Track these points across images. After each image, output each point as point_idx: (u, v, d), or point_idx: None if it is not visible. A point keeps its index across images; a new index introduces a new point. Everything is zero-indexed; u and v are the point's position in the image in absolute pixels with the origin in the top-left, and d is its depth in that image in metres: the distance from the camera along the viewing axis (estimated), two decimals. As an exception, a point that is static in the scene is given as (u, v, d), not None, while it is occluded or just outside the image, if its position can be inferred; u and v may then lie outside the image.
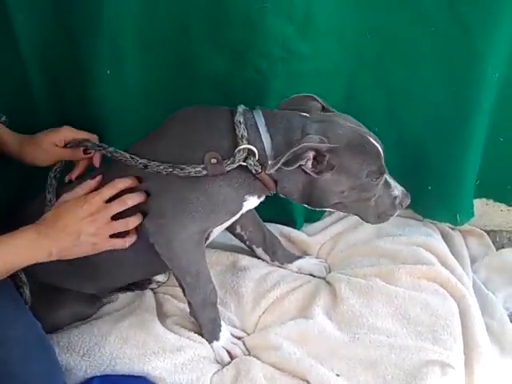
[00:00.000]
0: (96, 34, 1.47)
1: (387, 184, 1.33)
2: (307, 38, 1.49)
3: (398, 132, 1.66)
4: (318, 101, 1.36)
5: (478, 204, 1.84)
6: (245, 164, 1.26)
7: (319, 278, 1.62)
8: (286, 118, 1.30)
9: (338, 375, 1.31)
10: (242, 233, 1.62)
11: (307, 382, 1.31)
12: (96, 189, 1.30)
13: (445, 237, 1.75)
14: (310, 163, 1.25)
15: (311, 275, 1.63)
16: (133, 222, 1.29)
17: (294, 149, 1.20)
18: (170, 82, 1.53)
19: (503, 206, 1.86)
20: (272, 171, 1.25)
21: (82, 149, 1.40)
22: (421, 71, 1.57)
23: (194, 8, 1.47)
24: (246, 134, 1.26)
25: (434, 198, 1.73)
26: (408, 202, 1.35)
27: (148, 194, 1.30)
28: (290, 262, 1.64)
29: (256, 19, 1.45)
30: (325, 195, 1.29)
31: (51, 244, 1.22)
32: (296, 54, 1.50)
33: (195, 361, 1.36)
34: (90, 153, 1.41)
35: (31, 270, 1.33)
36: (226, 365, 1.38)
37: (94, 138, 1.42)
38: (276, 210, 1.71)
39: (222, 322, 1.43)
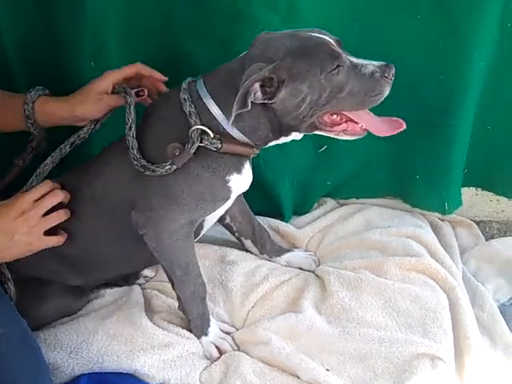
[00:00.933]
0: (80, 26, 1.45)
1: (355, 67, 1.21)
2: (293, 27, 1.45)
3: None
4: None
5: (468, 194, 1.83)
6: (203, 145, 1.24)
7: (308, 271, 1.61)
8: (224, 70, 1.26)
9: (327, 370, 1.31)
10: (232, 224, 1.60)
11: (297, 377, 1.31)
12: None
13: (434, 228, 1.74)
14: (259, 94, 1.19)
15: (300, 268, 1.61)
16: (65, 213, 1.29)
17: (240, 92, 1.16)
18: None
19: (492, 196, 1.86)
20: (231, 125, 1.22)
21: (134, 91, 1.34)
22: (408, 59, 1.55)
23: (181, 3, 1.45)
24: (193, 110, 1.23)
25: (422, 186, 1.73)
26: (392, 70, 1.22)
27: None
28: (279, 255, 1.63)
29: (242, 9, 1.44)
30: (292, 111, 1.22)
31: None
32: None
33: (184, 357, 1.35)
34: (142, 95, 1.36)
35: (15, 264, 1.32)
36: (215, 360, 1.37)
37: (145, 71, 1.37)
38: (264, 202, 1.70)
39: (211, 317, 1.42)
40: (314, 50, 1.19)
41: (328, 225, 1.74)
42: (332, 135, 1.28)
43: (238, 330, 1.45)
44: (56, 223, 1.28)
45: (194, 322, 1.39)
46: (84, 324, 1.39)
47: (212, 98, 1.24)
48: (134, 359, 1.31)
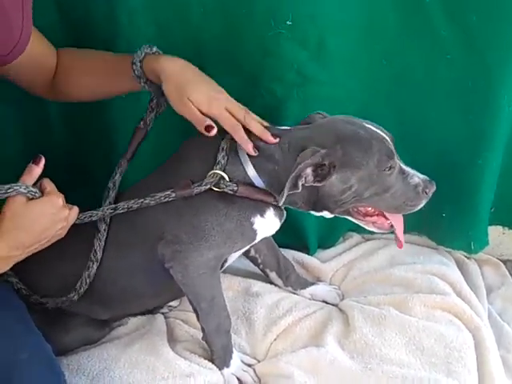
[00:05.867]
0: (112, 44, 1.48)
1: (403, 173, 1.27)
2: (321, 64, 1.49)
3: (410, 160, 1.60)
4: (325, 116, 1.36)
5: (495, 233, 1.82)
6: (218, 190, 1.26)
7: (332, 305, 1.60)
8: None
9: (349, 406, 1.29)
10: (256, 256, 1.61)
11: (318, 412, 1.30)
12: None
13: (460, 266, 1.73)
14: (310, 177, 1.23)
15: (324, 302, 1.61)
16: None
17: (292, 176, 1.20)
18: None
19: (520, 235, 1.84)
20: (282, 203, 1.24)
21: (206, 123, 1.24)
22: (435, 99, 1.57)
23: (207, 33, 1.48)
24: (222, 160, 1.27)
25: (448, 225, 1.71)
26: (433, 188, 1.28)
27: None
28: (304, 287, 1.63)
29: (270, 45, 1.46)
30: (335, 196, 1.26)
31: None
32: (310, 79, 1.51)
33: (204, 388, 1.35)
34: (210, 132, 1.25)
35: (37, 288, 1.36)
36: (236, 392, 1.37)
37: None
38: (289, 235, 1.70)
39: (233, 349, 1.41)
40: (370, 143, 1.24)
41: (353, 259, 1.74)
42: (360, 223, 1.34)
43: (259, 362, 1.44)
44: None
45: (217, 353, 1.39)
46: (106, 351, 1.39)
47: (251, 160, 1.28)
48: (156, 388, 1.31)
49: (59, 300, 1.37)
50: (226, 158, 1.27)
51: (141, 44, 1.45)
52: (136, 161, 1.43)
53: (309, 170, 1.22)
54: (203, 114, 1.25)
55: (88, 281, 1.34)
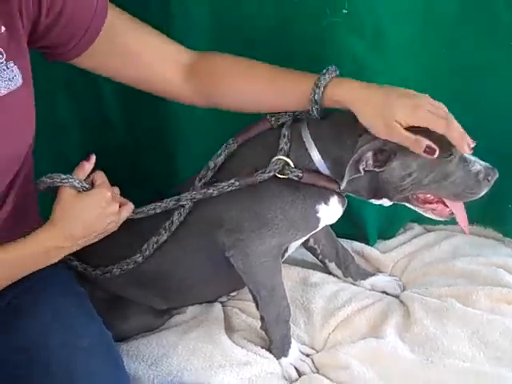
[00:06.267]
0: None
1: (465, 160, 1.23)
2: (378, 53, 1.46)
3: (475, 150, 1.58)
4: None
5: None
6: (283, 176, 1.25)
7: (392, 296, 1.57)
8: (333, 122, 1.26)
9: (409, 398, 1.26)
10: (315, 246, 1.59)
11: (376, 403, 1.27)
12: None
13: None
14: (370, 162, 1.21)
15: (384, 293, 1.58)
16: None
17: (352, 159, 1.18)
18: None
19: None
20: (343, 187, 1.22)
21: (425, 145, 1.13)
22: (498, 88, 1.52)
23: (261, 22, 1.47)
24: (285, 147, 1.25)
25: (515, 216, 1.65)
26: (496, 175, 1.24)
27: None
28: (363, 278, 1.60)
29: (325, 34, 1.43)
30: (395, 182, 1.23)
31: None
32: (366, 68, 1.47)
33: (262, 376, 1.34)
34: (431, 154, 1.14)
35: (104, 282, 1.38)
36: (294, 382, 1.35)
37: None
38: (349, 225, 1.67)
39: (292, 339, 1.40)
40: (432, 132, 1.16)
41: (414, 250, 1.69)
42: (419, 210, 1.30)
43: (317, 352, 1.42)
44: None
45: (276, 343, 1.38)
46: (165, 338, 1.41)
47: (316, 145, 1.26)
48: (212, 375, 1.31)
49: (124, 263, 1.35)
50: (288, 145, 1.26)
51: (194, 33, 1.47)
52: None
53: (369, 154, 1.19)
54: (413, 129, 1.14)
55: (155, 246, 1.33)
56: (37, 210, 1.35)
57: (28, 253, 1.15)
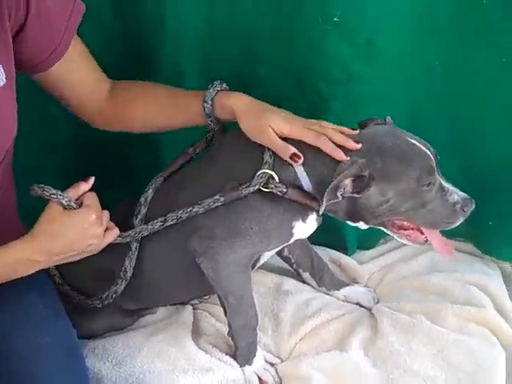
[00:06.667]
0: (157, 49, 1.51)
1: (443, 189, 1.25)
2: (368, 62, 1.46)
3: (459, 165, 1.58)
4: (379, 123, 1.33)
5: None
6: (267, 190, 1.24)
7: (366, 308, 1.56)
8: None
9: (365, 415, 1.27)
10: (290, 256, 1.60)
11: (334, 418, 1.28)
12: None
13: (505, 277, 1.64)
14: (349, 188, 1.21)
15: (358, 304, 1.58)
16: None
17: (331, 185, 1.18)
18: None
19: None
20: (322, 211, 1.23)
21: (291, 153, 1.22)
22: (489, 104, 1.50)
23: (258, 32, 1.47)
24: (270, 160, 1.24)
25: (495, 233, 1.64)
26: (472, 207, 1.25)
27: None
28: (337, 288, 1.60)
29: (317, 42, 1.43)
30: (372, 207, 1.24)
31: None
32: (356, 77, 1.47)
33: (223, 383, 1.34)
34: (296, 162, 1.23)
35: (72, 280, 1.41)
36: (255, 390, 1.36)
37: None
38: (329, 234, 1.66)
39: (258, 347, 1.40)
40: (412, 158, 1.21)
41: (391, 262, 1.69)
42: (394, 235, 1.31)
43: (283, 361, 1.43)
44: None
45: (241, 350, 1.38)
46: (132, 338, 1.41)
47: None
48: (175, 380, 1.31)
49: (84, 301, 1.40)
50: (272, 158, 1.26)
51: (187, 41, 1.49)
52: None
53: (348, 181, 1.20)
54: (285, 138, 1.23)
55: (114, 296, 1.38)
56: (14, 205, 1.37)
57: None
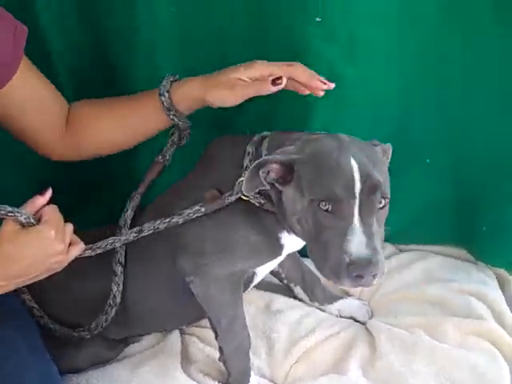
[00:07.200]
0: (133, 48, 1.43)
1: (345, 232, 1.01)
2: (354, 61, 1.39)
3: (451, 167, 1.53)
4: None
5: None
6: (246, 198, 1.17)
7: (361, 322, 1.50)
8: (284, 139, 1.18)
9: None
10: (280, 270, 1.53)
11: None
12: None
13: (501, 283, 1.59)
14: (273, 174, 1.10)
15: (352, 319, 1.51)
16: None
17: (255, 162, 1.10)
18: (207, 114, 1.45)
19: None
20: (246, 192, 1.14)
21: (270, 78, 1.16)
22: (479, 100, 1.44)
23: (233, 32, 1.40)
24: (250, 165, 1.16)
25: (488, 240, 1.59)
26: (369, 279, 1.01)
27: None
28: (330, 302, 1.53)
29: (299, 42, 1.36)
30: (286, 211, 1.13)
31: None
32: (343, 78, 1.39)
33: (216, 414, 1.28)
34: (279, 83, 1.16)
35: (53, 311, 1.32)
36: (250, 419, 1.29)
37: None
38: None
39: (251, 372, 1.33)
40: (331, 175, 1.04)
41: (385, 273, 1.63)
42: None
43: (277, 386, 1.37)
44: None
45: (234, 376, 1.32)
46: (117, 371, 1.33)
47: None
48: (166, 415, 1.25)
49: (68, 333, 1.32)
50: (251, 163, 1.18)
51: (161, 46, 1.41)
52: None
53: (276, 166, 1.10)
54: None
55: (104, 324, 1.30)
56: None
57: None
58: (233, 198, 1.18)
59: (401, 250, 1.71)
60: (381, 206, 1.06)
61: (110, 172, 1.62)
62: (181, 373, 1.33)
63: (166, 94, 1.22)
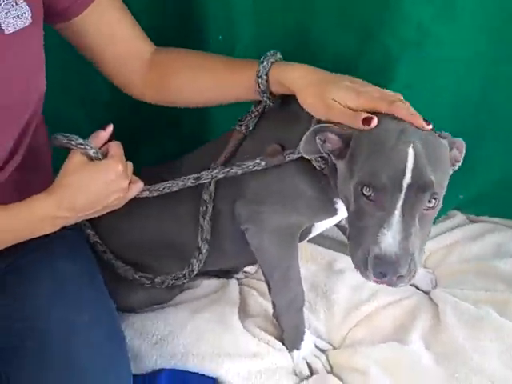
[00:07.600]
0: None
1: (383, 223, 0.94)
2: (447, 22, 1.30)
3: None
4: None
5: None
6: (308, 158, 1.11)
7: (423, 291, 1.45)
8: None
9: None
10: (347, 225, 1.47)
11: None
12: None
13: None
14: (329, 145, 1.03)
15: (414, 287, 1.46)
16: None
17: (312, 128, 1.04)
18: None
19: None
20: (302, 153, 1.08)
21: (362, 116, 1.00)
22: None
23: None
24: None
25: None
26: (387, 272, 0.94)
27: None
28: (394, 267, 1.48)
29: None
30: (337, 186, 1.08)
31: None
32: (431, 37, 1.32)
33: (272, 370, 1.24)
34: (369, 124, 1.00)
35: (112, 246, 1.31)
36: (305, 378, 1.26)
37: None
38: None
39: (307, 330, 1.30)
40: (381, 161, 0.96)
41: (454, 242, 1.55)
42: None
43: (334, 348, 1.33)
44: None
45: (287, 333, 1.29)
46: (173, 315, 1.32)
47: None
48: (219, 364, 1.22)
49: (130, 273, 1.31)
50: None
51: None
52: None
53: (333, 136, 1.03)
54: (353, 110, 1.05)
55: (191, 275, 1.31)
56: (49, 166, 1.25)
57: (22, 219, 1.05)
58: (293, 157, 1.13)
59: (471, 221, 1.63)
60: (429, 206, 0.97)
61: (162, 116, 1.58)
62: (238, 325, 1.31)
63: (264, 77, 1.14)
